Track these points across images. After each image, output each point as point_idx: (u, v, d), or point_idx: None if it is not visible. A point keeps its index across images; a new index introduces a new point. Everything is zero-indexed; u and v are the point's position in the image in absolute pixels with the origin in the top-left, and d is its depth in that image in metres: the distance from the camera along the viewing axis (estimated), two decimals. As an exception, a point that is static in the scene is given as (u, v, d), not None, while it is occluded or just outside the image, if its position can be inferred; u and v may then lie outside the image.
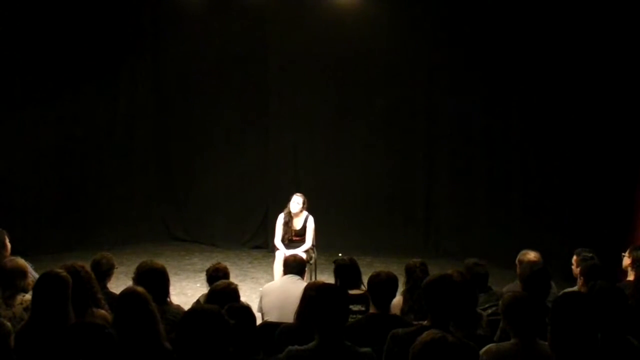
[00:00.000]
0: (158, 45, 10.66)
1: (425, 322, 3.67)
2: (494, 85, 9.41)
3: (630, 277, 5.36)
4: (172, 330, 3.59)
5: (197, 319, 3.01)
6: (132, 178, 10.67)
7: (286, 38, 10.12)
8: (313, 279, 7.49)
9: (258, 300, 5.42)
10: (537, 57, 8.94)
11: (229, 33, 10.23)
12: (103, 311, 4.20)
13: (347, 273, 5.12)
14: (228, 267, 5.30)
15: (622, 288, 3.96)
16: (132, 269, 4.76)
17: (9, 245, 5.53)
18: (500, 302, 3.89)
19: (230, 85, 10.45)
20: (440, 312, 3.59)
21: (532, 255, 5.54)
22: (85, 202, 10.20)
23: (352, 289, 4.96)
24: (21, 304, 4.32)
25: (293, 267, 5.52)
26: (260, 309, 5.23)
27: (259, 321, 4.38)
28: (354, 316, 4.53)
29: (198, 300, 4.95)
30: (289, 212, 7.84)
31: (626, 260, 5.52)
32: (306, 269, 6.05)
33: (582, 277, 5.04)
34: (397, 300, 4.73)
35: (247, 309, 3.74)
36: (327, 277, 7.08)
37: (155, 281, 4.37)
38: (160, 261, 4.95)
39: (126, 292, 3.64)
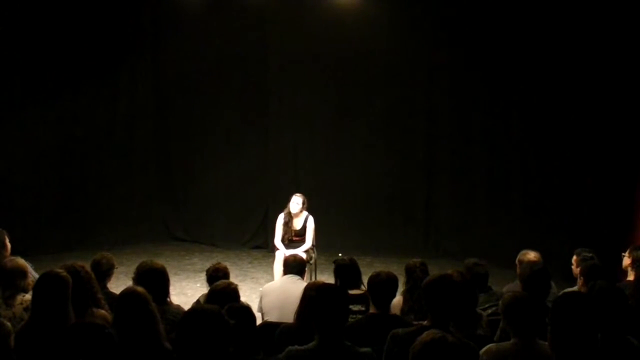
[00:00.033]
0: (158, 45, 10.66)
1: (425, 322, 3.67)
2: (494, 85, 9.41)
3: (630, 277, 5.36)
4: (172, 330, 3.59)
5: (197, 319, 3.01)
6: (132, 178, 10.67)
7: (286, 38, 10.12)
8: (313, 279, 7.49)
9: (258, 300, 5.42)
10: (537, 57, 8.94)
11: (229, 33, 10.23)
12: (103, 311, 4.20)
13: (347, 273, 5.12)
14: (228, 267, 5.30)
15: (622, 288, 3.96)
16: (132, 269, 4.76)
17: (9, 245, 5.53)
18: (500, 302, 3.89)
19: (230, 85, 10.46)
20: (440, 312, 3.59)
21: (532, 255, 5.54)
22: (85, 202, 10.20)
23: (352, 289, 4.96)
24: (21, 304, 4.32)
25: (293, 267, 5.51)
26: (260, 309, 5.23)
27: (259, 321, 4.38)
28: (354, 316, 4.53)
29: (198, 300, 4.95)
30: (289, 212, 7.84)
31: (626, 260, 5.52)
32: (306, 269, 6.05)
33: (582, 277, 5.04)
34: (397, 300, 4.73)
35: (247, 309, 3.74)
36: (327, 277, 7.08)
37: (155, 281, 4.37)
38: (160, 261, 4.95)
39: (126, 292, 3.64)
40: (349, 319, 3.88)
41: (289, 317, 4.44)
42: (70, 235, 9.86)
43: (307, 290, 4.08)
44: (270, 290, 5.42)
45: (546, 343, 3.21)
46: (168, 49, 10.60)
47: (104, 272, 5.07)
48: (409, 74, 10.00)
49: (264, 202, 10.35)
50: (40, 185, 9.87)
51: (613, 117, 8.44)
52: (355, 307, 4.79)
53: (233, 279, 5.15)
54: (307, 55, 10.08)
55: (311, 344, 3.32)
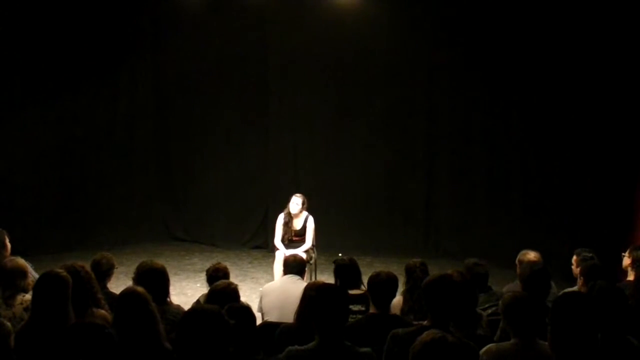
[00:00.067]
0: (158, 45, 10.66)
1: (425, 322, 3.67)
2: (494, 85, 9.41)
3: (630, 277, 5.36)
4: (172, 330, 3.59)
5: (197, 319, 3.01)
6: (132, 178, 10.67)
7: (286, 38, 10.12)
8: (313, 279, 7.49)
9: (258, 300, 5.42)
10: (537, 57, 8.94)
11: (229, 33, 10.23)
12: (103, 311, 4.20)
13: (347, 273, 5.12)
14: (228, 267, 5.30)
15: (622, 288, 3.96)
16: (132, 269, 4.76)
17: (9, 245, 5.53)
18: (500, 302, 3.89)
19: (230, 85, 10.45)
20: (440, 312, 3.59)
21: (532, 255, 5.54)
22: (85, 202, 10.20)
23: (352, 289, 4.96)
24: (21, 304, 4.32)
25: (293, 267, 5.51)
26: (260, 309, 5.23)
27: (259, 321, 4.38)
28: (354, 316, 4.53)
29: (198, 300, 4.94)
30: (289, 213, 7.84)
31: (626, 260, 5.52)
32: (306, 269, 6.04)
33: (582, 277, 5.04)
34: (397, 300, 4.73)
35: (247, 309, 3.74)
36: (327, 277, 7.08)
37: (155, 281, 4.37)
38: (160, 261, 4.95)
39: (126, 292, 3.64)
40: (349, 319, 3.88)
41: (289, 317, 4.44)
42: (70, 235, 9.86)
43: (307, 290, 4.08)
44: (270, 290, 5.42)
45: (546, 343, 3.21)
46: (168, 49, 10.60)
47: (104, 272, 5.07)
48: (409, 74, 9.99)
49: (264, 202, 10.35)
50: (40, 185, 9.87)
51: (613, 118, 8.45)
52: (355, 307, 4.79)
53: (233, 279, 5.15)
54: (307, 55, 10.08)
55: (311, 344, 3.32)
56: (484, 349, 3.54)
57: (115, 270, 5.27)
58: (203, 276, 5.57)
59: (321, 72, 10.12)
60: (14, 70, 9.47)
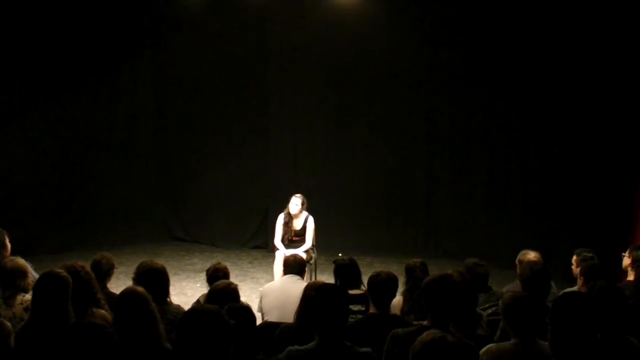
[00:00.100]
0: (158, 45, 10.66)
1: (425, 322, 3.67)
2: (494, 85, 9.40)
3: (630, 277, 5.36)
4: (172, 330, 3.59)
5: (197, 319, 3.01)
6: (132, 178, 10.68)
7: (286, 38, 10.12)
8: (313, 279, 7.49)
9: (258, 300, 5.42)
10: (537, 57, 8.94)
11: (229, 33, 10.23)
12: (103, 311, 4.20)
13: (347, 273, 5.12)
14: (228, 267, 5.30)
15: (622, 288, 3.96)
16: (132, 269, 4.76)
17: (9, 245, 5.53)
18: (500, 302, 3.89)
19: (230, 85, 10.45)
20: (440, 312, 3.59)
21: (532, 255, 5.54)
22: (85, 202, 10.20)
23: (352, 289, 4.96)
24: (21, 304, 4.32)
25: (293, 267, 5.51)
26: (260, 309, 5.23)
27: (259, 321, 4.38)
28: (354, 316, 4.53)
29: (198, 300, 4.94)
30: (289, 213, 7.84)
31: (626, 260, 5.52)
32: (306, 269, 6.05)
33: (582, 277, 5.04)
34: (397, 300, 4.73)
35: (247, 309, 3.74)
36: (327, 277, 7.08)
37: (155, 281, 4.38)
38: (160, 261, 4.95)
39: (126, 292, 3.64)
40: (349, 319, 3.88)
41: (289, 317, 4.44)
42: (70, 235, 9.86)
43: (307, 290, 4.08)
44: (270, 290, 5.42)
45: (546, 343, 3.21)
46: (168, 49, 10.60)
47: (104, 272, 5.07)
48: (409, 74, 9.99)
49: (264, 202, 10.35)
50: (40, 185, 9.87)
51: (613, 118, 8.44)
52: (355, 307, 4.79)
53: (233, 279, 5.15)
54: (307, 55, 10.08)
55: (311, 344, 3.32)
56: (484, 349, 3.54)
57: (115, 270, 5.27)
58: (203, 276, 5.57)
59: (321, 72, 10.12)
60: (14, 70, 9.48)
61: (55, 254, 8.75)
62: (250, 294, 7.60)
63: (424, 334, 2.67)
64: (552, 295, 4.79)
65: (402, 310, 4.70)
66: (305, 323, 3.79)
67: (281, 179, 10.25)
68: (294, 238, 7.85)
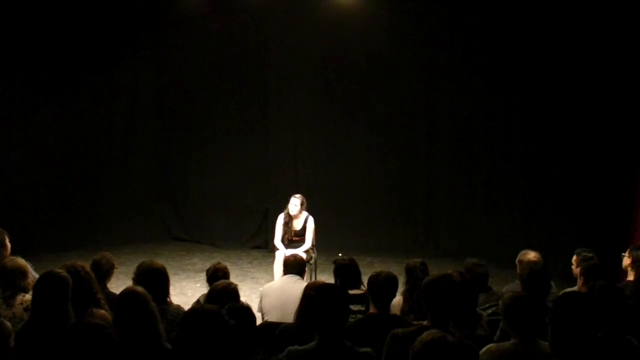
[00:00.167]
0: (158, 45, 10.66)
1: (425, 322, 3.67)
2: (494, 84, 9.40)
3: (630, 277, 5.37)
4: (172, 330, 3.59)
5: (197, 319, 3.01)
6: (132, 178, 10.67)
7: (286, 38, 10.12)
8: (313, 279, 7.48)
9: (258, 300, 5.42)
10: (538, 57, 8.94)
11: (229, 33, 10.24)
12: (103, 311, 4.20)
13: (347, 273, 5.11)
14: (228, 267, 5.29)
15: (622, 288, 3.97)
16: (132, 269, 4.76)
17: (9, 245, 5.52)
18: (500, 302, 3.89)
19: (230, 85, 10.46)
20: (440, 312, 3.59)
21: (532, 255, 5.54)
22: (85, 202, 10.20)
23: (352, 289, 4.95)
24: (21, 304, 4.32)
25: (293, 267, 5.51)
26: (261, 309, 5.22)
27: (259, 321, 4.37)
28: (354, 316, 4.52)
29: (198, 300, 4.94)
30: (289, 213, 7.84)
31: (626, 260, 5.52)
32: (306, 269, 6.04)
33: (582, 277, 5.05)
34: (397, 300, 4.73)
35: (247, 309, 3.74)
36: (327, 277, 7.07)
37: (155, 281, 4.38)
38: (160, 261, 4.95)
39: (126, 292, 3.64)
40: (349, 319, 3.87)
41: (289, 317, 4.45)
42: (70, 235, 9.86)
43: (307, 290, 4.08)
44: (270, 291, 5.42)
45: (546, 343, 3.21)
46: (168, 49, 10.61)
47: (104, 272, 5.07)
48: (409, 74, 9.99)
49: (264, 202, 10.35)
50: (40, 185, 9.86)
51: (613, 117, 8.44)
52: (355, 307, 4.79)
53: (233, 279, 5.14)
54: (308, 55, 10.08)
55: (311, 344, 3.32)
56: (484, 349, 3.54)
57: (115, 270, 5.27)
58: (203, 276, 5.57)
59: (321, 72, 10.12)
60: (14, 70, 9.47)
61: (55, 254, 8.75)
62: (250, 294, 7.60)
63: (424, 334, 2.67)
64: (552, 295, 4.78)
65: (402, 310, 4.70)
66: (305, 323, 3.79)
67: (281, 179, 10.25)
68: (294, 238, 7.85)
